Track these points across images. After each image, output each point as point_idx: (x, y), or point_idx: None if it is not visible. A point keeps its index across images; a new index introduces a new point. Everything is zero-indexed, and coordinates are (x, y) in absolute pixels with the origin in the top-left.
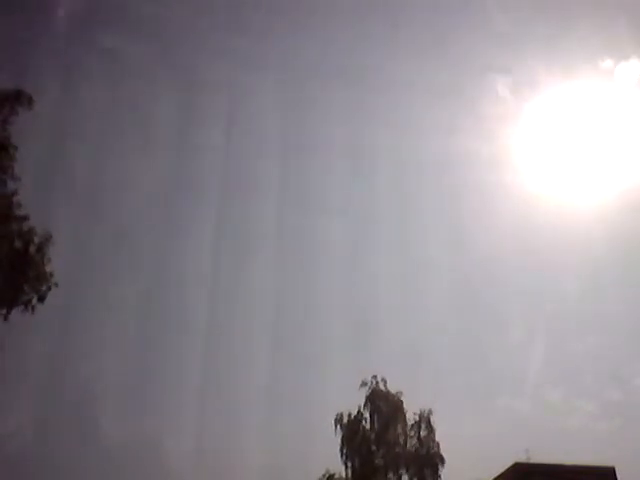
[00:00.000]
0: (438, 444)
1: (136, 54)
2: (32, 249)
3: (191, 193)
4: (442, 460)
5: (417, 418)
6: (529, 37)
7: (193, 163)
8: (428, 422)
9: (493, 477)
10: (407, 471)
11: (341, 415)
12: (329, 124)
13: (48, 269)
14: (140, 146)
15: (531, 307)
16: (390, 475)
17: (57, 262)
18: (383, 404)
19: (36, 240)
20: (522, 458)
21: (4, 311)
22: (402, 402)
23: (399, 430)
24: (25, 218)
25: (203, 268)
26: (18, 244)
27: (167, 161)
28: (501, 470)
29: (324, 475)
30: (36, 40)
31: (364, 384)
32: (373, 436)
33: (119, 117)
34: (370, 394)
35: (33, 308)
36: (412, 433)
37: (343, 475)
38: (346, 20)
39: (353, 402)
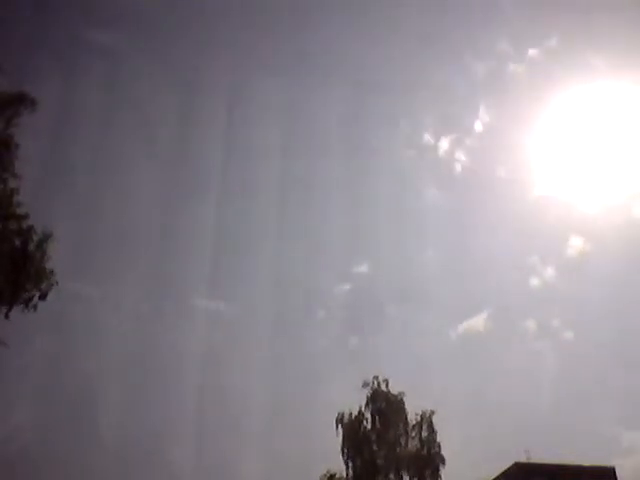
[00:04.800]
0: (439, 445)
1: (136, 53)
2: (32, 247)
3: (191, 192)
4: (443, 461)
5: (419, 419)
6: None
7: (193, 161)
8: (430, 423)
9: (493, 477)
10: (408, 471)
11: (342, 415)
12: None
13: (48, 267)
14: (140, 145)
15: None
16: (391, 475)
17: (58, 260)
18: (384, 404)
19: (35, 238)
20: (522, 458)
21: (5, 309)
22: (403, 402)
23: (400, 430)
24: (25, 217)
25: (202, 267)
26: (18, 242)
27: (167, 159)
28: (501, 470)
29: (325, 475)
30: (36, 40)
31: (366, 384)
32: (374, 436)
33: (119, 116)
34: (371, 394)
35: (35, 307)
36: (413, 434)
37: (344, 475)
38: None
39: (354, 402)
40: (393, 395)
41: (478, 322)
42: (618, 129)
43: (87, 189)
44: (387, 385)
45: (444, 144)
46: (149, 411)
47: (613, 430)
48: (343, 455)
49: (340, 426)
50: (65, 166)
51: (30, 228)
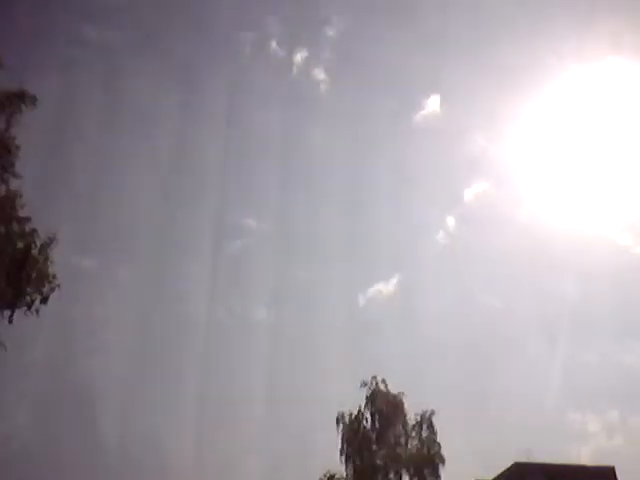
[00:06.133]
0: (439, 445)
1: (136, 52)
2: (34, 250)
3: (191, 192)
4: (443, 460)
5: (419, 419)
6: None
7: (193, 160)
8: (430, 423)
9: (493, 477)
10: (408, 471)
11: (342, 415)
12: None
13: (50, 270)
14: (141, 144)
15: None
16: (391, 475)
17: (58, 261)
18: (384, 404)
19: (38, 242)
20: (522, 458)
21: (8, 313)
22: (403, 402)
23: (400, 430)
24: (27, 219)
25: (203, 266)
26: (20, 245)
27: (168, 158)
28: (501, 470)
29: (325, 475)
30: (35, 38)
31: (364, 384)
32: (374, 436)
33: (119, 114)
34: (371, 394)
35: (37, 311)
36: (413, 433)
37: (344, 475)
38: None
39: (354, 402)
40: (392, 395)
41: (387, 287)
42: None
43: (87, 189)
44: (386, 385)
45: (298, 59)
46: (149, 411)
47: (558, 411)
48: (342, 455)
49: (340, 426)
50: (64, 165)
51: (33, 231)
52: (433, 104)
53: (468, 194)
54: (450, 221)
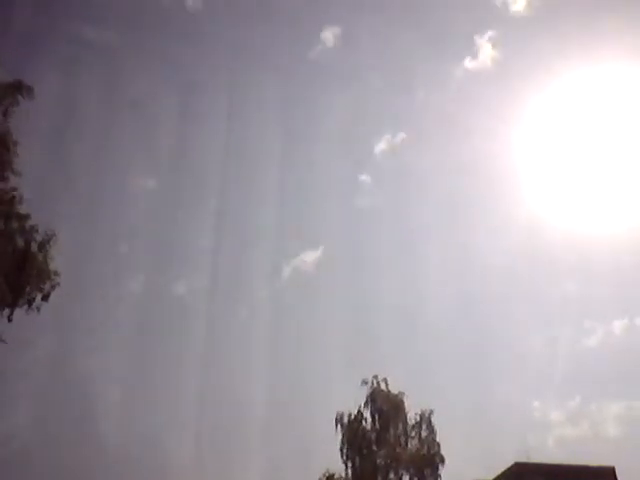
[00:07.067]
0: (439, 444)
1: (136, 52)
2: (34, 247)
3: (192, 190)
4: (442, 460)
5: (418, 418)
6: None
7: (194, 158)
8: (429, 422)
9: (493, 477)
10: (408, 471)
11: (342, 414)
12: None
13: (51, 267)
14: (140, 143)
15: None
16: (391, 475)
17: (58, 260)
18: (384, 404)
19: (38, 238)
20: (522, 458)
21: (7, 312)
22: (403, 402)
23: (400, 430)
24: (27, 216)
25: (204, 263)
26: (20, 242)
27: (168, 156)
28: (501, 470)
29: (324, 475)
30: (33, 38)
31: (364, 383)
32: (374, 436)
33: (119, 112)
34: (371, 393)
35: (39, 308)
36: (413, 433)
37: (343, 475)
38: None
39: (354, 401)
40: (393, 394)
41: (313, 256)
42: None
43: (86, 188)
44: (387, 384)
45: None
46: (149, 411)
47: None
48: (342, 455)
49: (340, 426)
50: (63, 165)
51: (32, 228)
52: (330, 38)
53: (381, 147)
54: (364, 180)
